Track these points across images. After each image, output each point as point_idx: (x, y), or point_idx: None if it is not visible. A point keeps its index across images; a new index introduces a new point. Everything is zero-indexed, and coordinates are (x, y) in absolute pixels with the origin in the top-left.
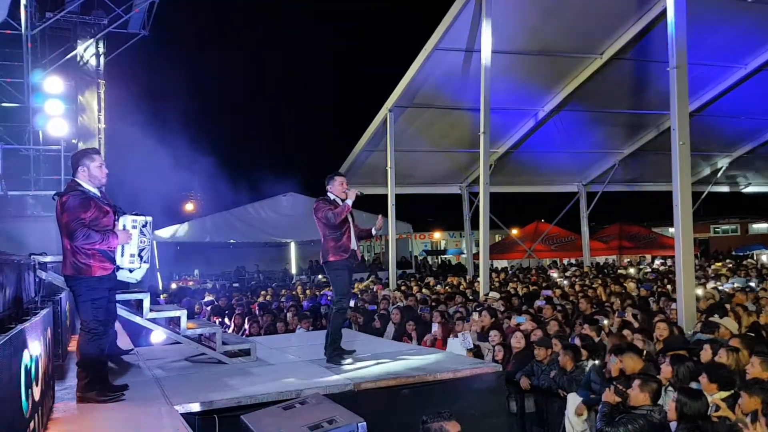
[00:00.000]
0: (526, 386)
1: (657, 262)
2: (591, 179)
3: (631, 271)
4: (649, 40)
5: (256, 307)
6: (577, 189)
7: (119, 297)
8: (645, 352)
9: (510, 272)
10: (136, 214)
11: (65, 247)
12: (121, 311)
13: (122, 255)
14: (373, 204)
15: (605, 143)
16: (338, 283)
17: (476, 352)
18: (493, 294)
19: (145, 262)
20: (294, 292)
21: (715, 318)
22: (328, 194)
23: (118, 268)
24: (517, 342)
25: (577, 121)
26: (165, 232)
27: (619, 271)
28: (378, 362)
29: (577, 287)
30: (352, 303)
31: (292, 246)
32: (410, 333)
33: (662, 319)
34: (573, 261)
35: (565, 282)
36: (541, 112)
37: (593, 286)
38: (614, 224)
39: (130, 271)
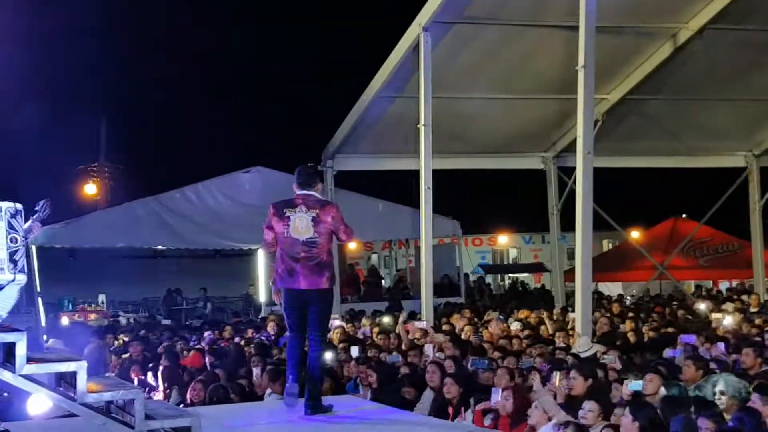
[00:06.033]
0: None
1: None
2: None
3: None
4: None
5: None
6: (745, 163)
7: None
8: None
9: (630, 301)
10: None
11: None
12: None
13: None
14: (396, 186)
15: None
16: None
17: None
18: (593, 343)
19: (20, 272)
20: (264, 331)
21: None
22: (317, 194)
23: None
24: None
25: (744, 45)
26: (49, 233)
27: None
28: None
29: (746, 329)
30: (356, 352)
31: (260, 256)
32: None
33: None
34: (735, 285)
35: (727, 321)
36: (684, 31)
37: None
38: None
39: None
